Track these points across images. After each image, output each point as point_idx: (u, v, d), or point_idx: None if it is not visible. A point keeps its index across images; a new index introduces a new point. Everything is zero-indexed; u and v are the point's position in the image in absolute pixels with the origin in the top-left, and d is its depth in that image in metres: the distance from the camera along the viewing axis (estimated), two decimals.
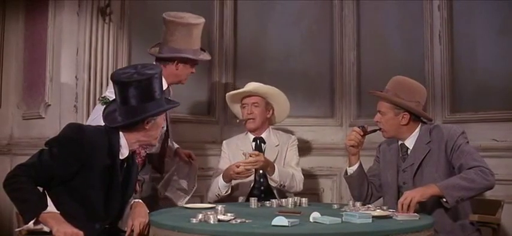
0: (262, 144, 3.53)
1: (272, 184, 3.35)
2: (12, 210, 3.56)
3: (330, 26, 4.34)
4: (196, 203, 3.20)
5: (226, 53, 4.21)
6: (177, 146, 3.49)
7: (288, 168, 3.48)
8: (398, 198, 2.85)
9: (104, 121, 2.59)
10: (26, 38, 3.88)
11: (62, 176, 2.38)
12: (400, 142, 2.96)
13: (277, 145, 3.53)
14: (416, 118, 2.91)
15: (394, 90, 2.90)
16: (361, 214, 2.37)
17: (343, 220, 2.36)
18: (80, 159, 2.39)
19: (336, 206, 2.93)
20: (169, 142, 3.37)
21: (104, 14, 3.53)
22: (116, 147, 2.50)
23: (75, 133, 2.44)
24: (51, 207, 2.32)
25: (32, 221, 2.28)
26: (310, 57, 4.33)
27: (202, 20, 3.30)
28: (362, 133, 2.99)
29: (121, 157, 2.53)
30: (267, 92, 3.52)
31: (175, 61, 3.22)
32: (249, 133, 3.57)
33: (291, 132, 3.93)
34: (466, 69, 3.67)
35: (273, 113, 3.58)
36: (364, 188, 3.05)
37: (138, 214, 2.52)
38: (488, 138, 3.33)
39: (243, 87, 3.64)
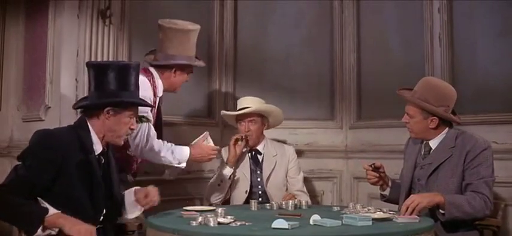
0: (258, 155, 3.56)
1: None
2: None
3: (330, 28, 4.34)
4: (196, 205, 3.20)
5: (227, 55, 4.20)
6: None
7: (296, 190, 3.51)
8: (410, 192, 2.87)
9: (73, 107, 2.69)
10: (26, 41, 3.88)
11: (42, 184, 2.37)
12: (424, 141, 2.95)
13: (275, 156, 3.57)
14: (445, 121, 2.89)
15: (423, 94, 2.85)
16: (361, 217, 2.37)
17: (344, 222, 2.36)
18: (55, 163, 2.38)
19: (336, 209, 2.93)
20: None
21: (104, 16, 3.53)
22: (87, 142, 2.49)
23: (43, 138, 2.44)
24: (51, 209, 2.31)
25: (39, 229, 2.27)
26: (310, 59, 4.33)
27: (197, 27, 3.28)
28: (374, 169, 2.97)
29: (95, 153, 2.52)
30: (263, 110, 3.54)
31: (173, 69, 3.20)
32: None
33: (293, 143, 4.00)
34: (466, 71, 3.67)
35: (268, 124, 3.61)
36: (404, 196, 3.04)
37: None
38: (488, 140, 3.32)
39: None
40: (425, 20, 3.86)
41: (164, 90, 3.24)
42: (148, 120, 3.03)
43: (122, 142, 2.65)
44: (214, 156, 3.30)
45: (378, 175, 3.00)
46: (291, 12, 4.32)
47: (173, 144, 3.16)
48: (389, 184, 3.05)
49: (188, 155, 3.15)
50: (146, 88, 3.05)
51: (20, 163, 2.40)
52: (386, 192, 3.06)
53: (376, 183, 3.03)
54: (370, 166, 2.98)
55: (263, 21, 4.31)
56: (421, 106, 2.84)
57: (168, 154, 3.11)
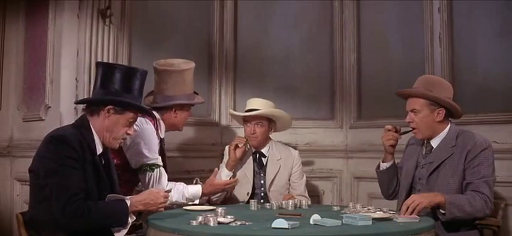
0: (263, 158, 3.56)
1: None
2: (13, 211, 3.57)
3: (330, 28, 4.34)
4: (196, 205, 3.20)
5: (227, 55, 4.20)
6: None
7: (297, 194, 3.49)
8: (410, 191, 2.88)
9: (76, 102, 2.77)
10: (26, 40, 3.88)
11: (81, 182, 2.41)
12: (426, 141, 2.96)
13: (279, 159, 3.56)
14: (446, 116, 2.88)
15: (427, 87, 2.86)
16: (362, 216, 2.37)
17: (344, 222, 2.37)
18: (78, 159, 2.40)
19: (336, 209, 2.94)
20: None
21: (104, 16, 3.53)
22: (91, 142, 2.49)
23: (60, 141, 2.41)
24: (119, 196, 2.48)
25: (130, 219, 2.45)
26: (311, 59, 4.33)
27: (192, 65, 3.28)
28: (397, 132, 2.98)
29: (97, 153, 2.53)
30: (271, 114, 3.52)
31: (173, 109, 3.21)
32: None
33: (294, 143, 4.00)
34: (466, 71, 3.67)
35: (275, 128, 3.60)
36: (392, 184, 3.09)
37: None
38: (488, 139, 3.33)
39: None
40: (425, 20, 3.86)
41: (167, 130, 3.26)
42: (159, 166, 3.06)
43: (117, 146, 2.65)
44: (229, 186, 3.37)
45: (398, 138, 2.99)
46: (291, 12, 4.32)
47: (185, 185, 3.18)
48: (392, 160, 3.06)
49: (200, 193, 3.19)
50: (151, 138, 3.07)
51: (49, 177, 2.36)
52: (386, 165, 3.06)
53: (391, 147, 3.01)
54: (394, 127, 2.98)
55: (263, 22, 4.31)
56: (430, 97, 2.83)
57: (179, 198, 3.12)
